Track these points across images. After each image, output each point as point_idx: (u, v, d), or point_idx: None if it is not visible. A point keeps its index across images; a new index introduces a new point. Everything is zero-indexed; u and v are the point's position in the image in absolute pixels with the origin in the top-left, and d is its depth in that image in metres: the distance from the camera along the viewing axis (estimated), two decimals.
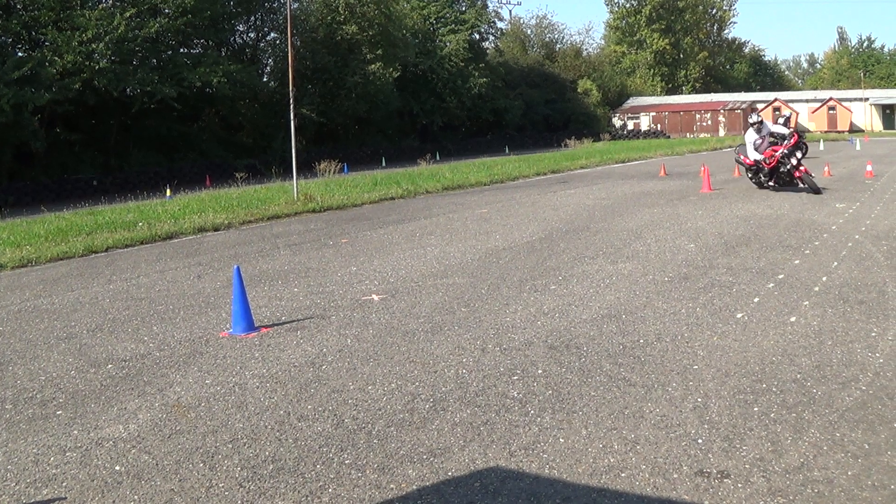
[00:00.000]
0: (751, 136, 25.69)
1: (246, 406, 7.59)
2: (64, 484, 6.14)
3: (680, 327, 9.65)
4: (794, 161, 24.45)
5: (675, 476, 5.76)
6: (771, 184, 25.48)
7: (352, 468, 6.16)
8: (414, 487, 5.81)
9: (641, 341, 9.12)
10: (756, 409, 6.92)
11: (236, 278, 10.32)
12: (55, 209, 30.68)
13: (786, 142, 24.86)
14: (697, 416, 6.80)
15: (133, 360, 9.42)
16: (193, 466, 6.32)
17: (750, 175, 26.81)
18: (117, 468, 6.36)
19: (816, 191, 24.07)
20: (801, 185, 24.68)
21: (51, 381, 8.76)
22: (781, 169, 25.03)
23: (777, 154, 24.76)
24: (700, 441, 6.32)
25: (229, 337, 10.23)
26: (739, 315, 10.12)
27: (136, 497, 5.86)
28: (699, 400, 7.18)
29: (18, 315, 12.34)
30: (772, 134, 25.94)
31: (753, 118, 25.93)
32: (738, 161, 27.62)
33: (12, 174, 45.45)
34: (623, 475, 5.82)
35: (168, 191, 36.50)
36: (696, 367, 8.11)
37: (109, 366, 9.21)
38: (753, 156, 25.65)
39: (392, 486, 5.85)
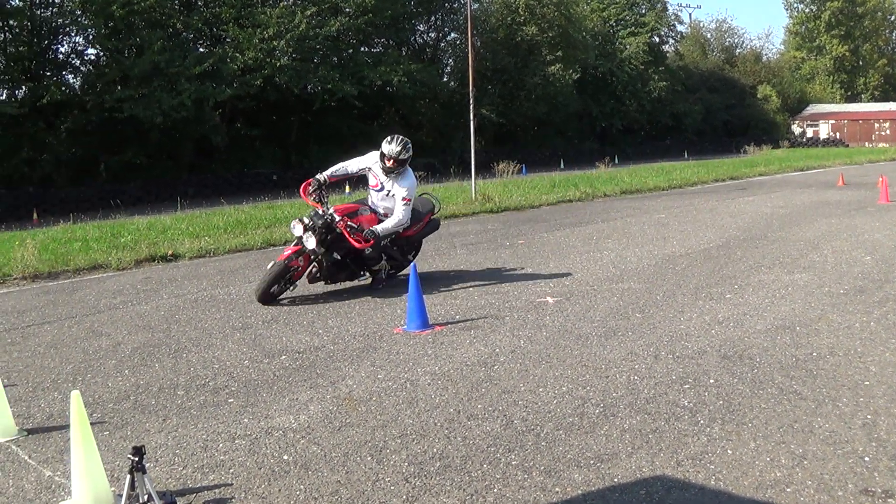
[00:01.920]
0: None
1: (416, 402, 7.59)
2: (231, 471, 6.20)
3: (853, 341, 9.35)
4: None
5: (840, 494, 5.59)
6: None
7: (518, 469, 6.10)
8: (579, 492, 5.73)
9: (814, 354, 8.87)
10: None
11: (412, 275, 10.38)
12: (234, 202, 31.28)
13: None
14: (866, 434, 6.58)
15: (307, 352, 9.50)
16: (361, 459, 6.33)
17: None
18: (285, 457, 6.41)
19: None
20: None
21: (224, 369, 8.88)
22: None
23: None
24: (867, 459, 6.12)
25: (403, 333, 10.26)
26: None
27: (302, 487, 5.89)
28: (869, 417, 6.95)
29: (195, 304, 12.55)
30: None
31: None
32: None
33: (192, 167, 46.72)
34: (788, 490, 5.67)
35: (347, 187, 36.85)
36: (867, 382, 7.86)
37: (283, 357, 9.30)
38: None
39: (557, 489, 5.78)
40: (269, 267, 12.56)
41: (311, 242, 12.20)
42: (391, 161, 13.22)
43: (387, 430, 6.91)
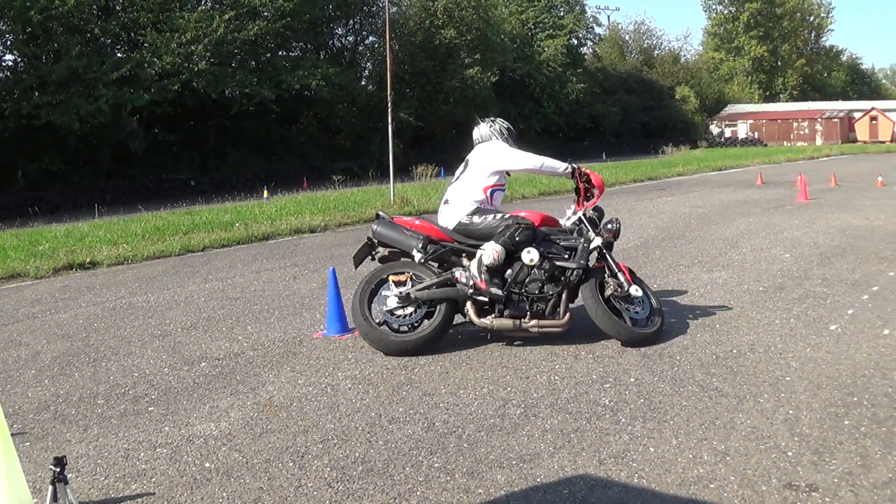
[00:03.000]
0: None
1: (337, 407, 7.61)
2: (153, 479, 6.18)
3: (773, 338, 9.52)
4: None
5: (764, 489, 5.67)
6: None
7: (441, 472, 6.14)
8: (502, 493, 5.77)
9: (735, 351, 9.02)
10: (847, 422, 6.80)
11: (332, 280, 10.39)
12: (152, 208, 31.12)
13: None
14: (788, 429, 6.70)
15: (227, 358, 9.49)
16: (283, 465, 6.34)
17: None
18: (207, 465, 6.40)
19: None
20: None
21: (144, 377, 8.85)
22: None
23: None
24: (790, 454, 6.22)
25: (323, 338, 10.27)
26: (833, 327, 9.96)
27: (224, 494, 5.89)
28: (790, 412, 7.07)
29: (114, 312, 12.50)
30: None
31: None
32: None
33: (110, 173, 46.39)
34: (712, 486, 5.75)
35: (265, 192, 36.79)
36: (788, 378, 7.99)
37: (203, 364, 9.29)
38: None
39: (480, 490, 5.82)
40: None
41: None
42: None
43: (308, 436, 6.92)
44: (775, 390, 7.64)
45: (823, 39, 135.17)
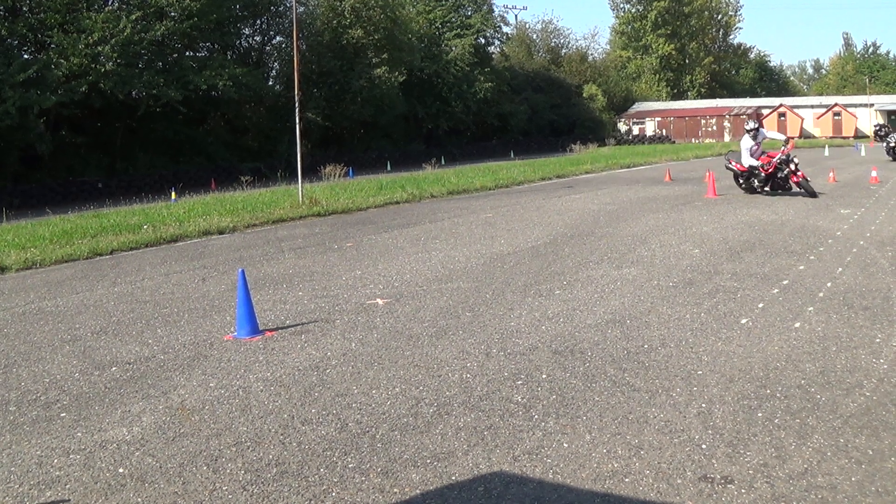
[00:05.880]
0: (747, 142, 26.30)
1: (250, 409, 7.58)
2: (67, 486, 6.13)
3: (684, 333, 9.62)
4: (791, 167, 25.34)
5: (679, 481, 5.73)
6: (766, 189, 26.15)
7: (355, 472, 6.14)
8: (417, 492, 5.78)
9: (646, 346, 9.09)
10: (760, 414, 6.90)
11: (241, 282, 10.32)
12: (60, 211, 30.75)
13: (783, 147, 26.25)
14: (701, 422, 6.77)
15: (137, 362, 9.41)
16: (197, 469, 6.30)
17: (741, 181, 27.07)
18: (121, 471, 6.35)
19: (813, 194, 24.88)
20: (797, 190, 25.61)
21: (55, 383, 8.76)
22: (778, 174, 25.68)
23: (774, 160, 25.45)
24: (704, 446, 6.29)
25: (234, 340, 10.21)
26: (744, 321, 10.09)
27: (139, 500, 5.84)
28: (703, 405, 7.15)
29: (23, 317, 12.34)
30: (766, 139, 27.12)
31: (750, 125, 26.24)
32: (728, 167, 27.54)
33: (17, 176, 45.67)
34: (627, 480, 5.79)
35: (173, 194, 36.48)
36: (700, 372, 8.08)
37: (114, 368, 9.21)
38: (749, 161, 26.09)
39: (395, 490, 5.83)
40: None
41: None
42: (745, 133, 26.48)
43: (221, 439, 6.88)
44: (687, 384, 7.74)
45: (731, 37, 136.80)
